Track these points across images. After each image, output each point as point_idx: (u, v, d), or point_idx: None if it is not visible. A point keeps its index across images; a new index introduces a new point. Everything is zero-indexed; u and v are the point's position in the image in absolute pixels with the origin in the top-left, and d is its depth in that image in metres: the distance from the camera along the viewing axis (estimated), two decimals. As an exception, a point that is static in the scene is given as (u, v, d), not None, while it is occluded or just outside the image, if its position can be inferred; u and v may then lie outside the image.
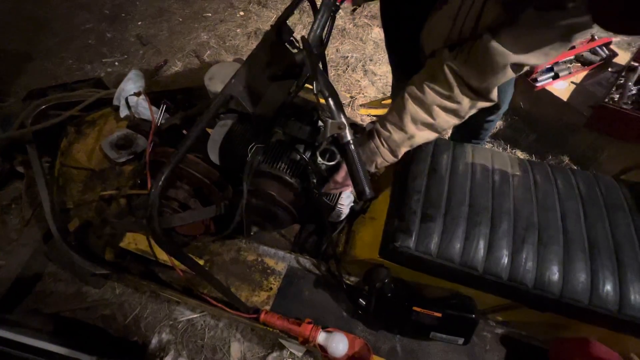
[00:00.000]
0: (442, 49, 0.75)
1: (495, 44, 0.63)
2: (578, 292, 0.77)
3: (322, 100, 0.66)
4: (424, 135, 0.81)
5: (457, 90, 0.72)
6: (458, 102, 0.73)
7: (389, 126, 0.81)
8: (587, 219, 0.87)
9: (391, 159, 0.85)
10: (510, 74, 0.67)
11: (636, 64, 1.57)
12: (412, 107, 0.77)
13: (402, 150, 0.83)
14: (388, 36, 1.25)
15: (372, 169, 0.88)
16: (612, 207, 0.89)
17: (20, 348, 0.97)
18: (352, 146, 0.64)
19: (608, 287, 0.76)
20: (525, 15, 0.59)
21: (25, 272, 1.34)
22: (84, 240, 1.23)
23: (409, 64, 1.25)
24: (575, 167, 1.73)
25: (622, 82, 1.57)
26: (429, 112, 0.76)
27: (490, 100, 0.73)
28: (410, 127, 0.79)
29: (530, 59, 0.64)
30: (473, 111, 0.76)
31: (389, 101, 2.04)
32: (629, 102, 1.52)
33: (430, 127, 0.79)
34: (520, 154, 1.83)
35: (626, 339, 0.82)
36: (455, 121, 0.78)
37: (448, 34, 0.73)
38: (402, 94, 0.80)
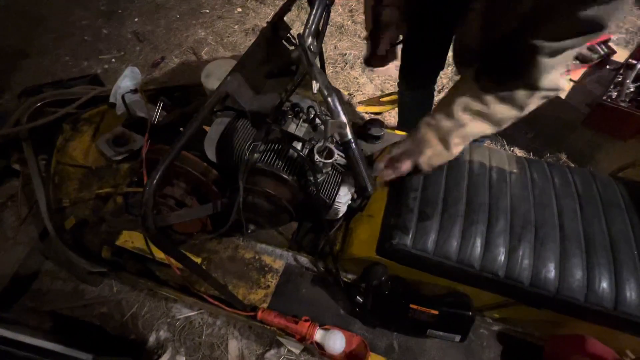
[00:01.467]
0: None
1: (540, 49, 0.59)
2: (574, 290, 0.77)
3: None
4: (477, 126, 0.74)
5: (509, 83, 0.67)
6: (511, 91, 0.68)
7: (437, 115, 0.77)
8: (583, 217, 0.87)
9: (441, 149, 0.77)
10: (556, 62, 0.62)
11: (634, 62, 1.57)
12: (461, 94, 0.73)
13: (454, 140, 0.76)
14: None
15: (423, 164, 0.80)
16: (608, 205, 0.89)
17: (17, 346, 0.96)
18: (354, 144, 0.64)
19: (604, 284, 0.76)
20: None
21: (22, 270, 1.34)
22: (81, 238, 1.22)
23: (422, 65, 1.25)
24: (573, 165, 1.73)
25: (620, 79, 1.57)
26: (481, 100, 0.71)
27: (549, 89, 0.66)
28: (460, 115, 0.73)
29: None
30: (535, 100, 0.68)
31: (387, 98, 2.03)
32: (627, 100, 1.52)
33: (483, 116, 0.73)
34: (518, 152, 1.83)
35: (622, 336, 0.82)
36: (514, 112, 0.71)
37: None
38: (452, 88, 0.77)
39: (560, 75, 0.65)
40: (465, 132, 0.75)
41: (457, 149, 0.78)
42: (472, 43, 0.80)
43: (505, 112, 0.71)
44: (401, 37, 1.06)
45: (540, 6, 0.58)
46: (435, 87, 1.42)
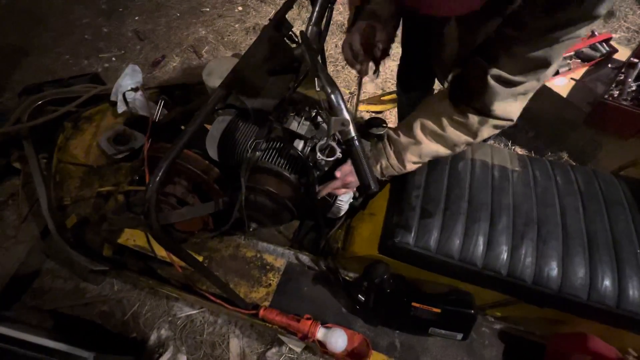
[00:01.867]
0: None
1: (493, 75, 0.63)
2: (577, 288, 0.77)
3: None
4: (433, 147, 0.79)
5: (463, 106, 0.71)
6: (465, 117, 0.72)
7: (399, 130, 0.82)
8: (586, 215, 0.87)
9: (395, 163, 0.84)
10: (506, 93, 0.66)
11: (636, 60, 1.57)
12: (423, 115, 0.77)
13: (409, 157, 0.81)
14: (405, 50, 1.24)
15: (378, 173, 0.86)
16: (611, 203, 0.89)
17: (18, 344, 0.96)
18: (357, 142, 0.63)
19: (607, 282, 0.76)
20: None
21: (23, 268, 1.34)
22: (82, 237, 1.22)
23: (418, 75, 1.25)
24: (574, 164, 1.73)
25: (621, 78, 1.57)
26: (439, 123, 0.75)
27: (501, 118, 0.71)
28: (419, 133, 0.78)
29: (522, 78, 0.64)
30: (487, 129, 0.73)
31: (388, 97, 2.03)
32: (629, 99, 1.52)
33: (439, 138, 0.78)
34: (519, 150, 1.83)
35: (624, 334, 0.82)
36: (467, 138, 0.76)
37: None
38: (419, 106, 0.82)
39: (514, 109, 0.70)
40: (421, 150, 0.80)
41: (410, 165, 0.83)
42: (447, 59, 0.83)
43: (460, 137, 0.75)
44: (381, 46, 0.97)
45: (498, 40, 0.62)
46: (434, 89, 1.42)
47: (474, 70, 0.67)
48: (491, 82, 0.64)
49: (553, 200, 0.89)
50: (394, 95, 2.00)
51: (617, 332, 0.83)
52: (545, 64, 0.60)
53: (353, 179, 0.87)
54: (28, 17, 2.50)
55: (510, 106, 0.69)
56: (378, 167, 0.86)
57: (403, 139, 0.81)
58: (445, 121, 0.74)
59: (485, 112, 0.70)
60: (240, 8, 2.60)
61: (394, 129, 0.85)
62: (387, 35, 0.89)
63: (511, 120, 0.72)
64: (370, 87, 2.13)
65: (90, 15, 2.55)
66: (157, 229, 0.59)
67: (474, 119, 0.71)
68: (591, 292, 0.76)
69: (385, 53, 0.93)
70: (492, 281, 0.82)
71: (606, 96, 1.52)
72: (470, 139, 0.76)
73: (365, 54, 0.90)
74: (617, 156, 1.56)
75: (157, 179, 0.57)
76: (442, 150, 0.80)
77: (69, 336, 1.07)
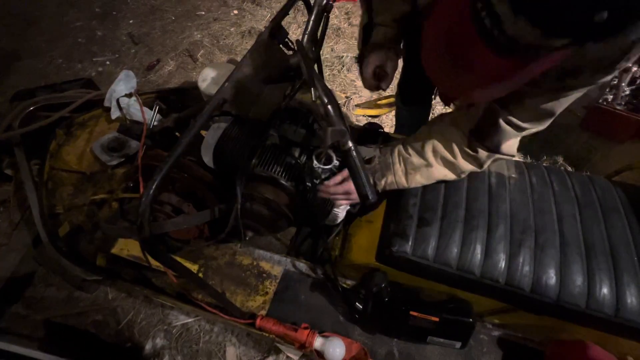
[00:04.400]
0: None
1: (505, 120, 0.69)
2: (575, 296, 0.77)
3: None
4: (442, 171, 0.83)
5: (474, 142, 0.77)
6: (475, 151, 0.77)
7: (410, 149, 0.84)
8: (583, 222, 0.87)
9: (402, 181, 0.85)
10: (515, 134, 0.72)
11: (629, 65, 1.58)
12: (436, 139, 0.80)
13: (416, 178, 0.84)
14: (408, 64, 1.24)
15: (380, 186, 0.87)
16: (607, 210, 0.89)
17: (8, 357, 0.94)
18: (354, 152, 0.63)
19: (605, 290, 0.76)
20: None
21: (15, 276, 1.31)
22: (75, 246, 1.20)
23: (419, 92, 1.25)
24: (569, 168, 1.74)
25: (615, 83, 1.58)
26: (451, 150, 0.80)
27: (505, 155, 0.78)
28: (430, 156, 0.81)
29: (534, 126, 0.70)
30: (492, 161, 0.80)
31: (384, 101, 2.03)
32: (622, 103, 1.54)
33: (449, 165, 0.82)
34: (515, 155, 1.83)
35: (623, 342, 0.82)
36: (474, 167, 0.82)
37: None
38: (430, 125, 0.84)
39: (517, 145, 0.78)
40: (430, 173, 0.83)
41: (414, 184, 0.86)
42: None
43: (468, 166, 0.81)
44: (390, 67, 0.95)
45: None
46: (433, 101, 1.42)
47: (487, 112, 0.71)
48: (503, 125, 0.70)
49: (550, 207, 0.89)
50: (390, 99, 2.00)
51: (616, 339, 0.82)
52: (551, 114, 0.66)
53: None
54: (20, 19, 2.47)
55: (515, 143, 0.77)
56: (383, 181, 0.86)
57: (415, 159, 0.83)
58: (456, 150, 0.79)
59: (494, 150, 0.76)
60: (235, 12, 2.60)
61: (404, 145, 0.85)
62: (393, 68, 0.93)
63: (513, 155, 0.79)
64: (366, 91, 2.12)
65: (83, 18, 2.53)
66: (150, 243, 0.58)
67: (483, 154, 0.77)
68: (589, 300, 0.76)
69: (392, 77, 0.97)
70: (490, 289, 0.82)
71: (600, 100, 1.53)
72: (476, 169, 0.82)
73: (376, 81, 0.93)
74: (613, 160, 1.57)
75: (151, 191, 0.56)
76: (450, 176, 0.84)
77: (62, 347, 1.06)
